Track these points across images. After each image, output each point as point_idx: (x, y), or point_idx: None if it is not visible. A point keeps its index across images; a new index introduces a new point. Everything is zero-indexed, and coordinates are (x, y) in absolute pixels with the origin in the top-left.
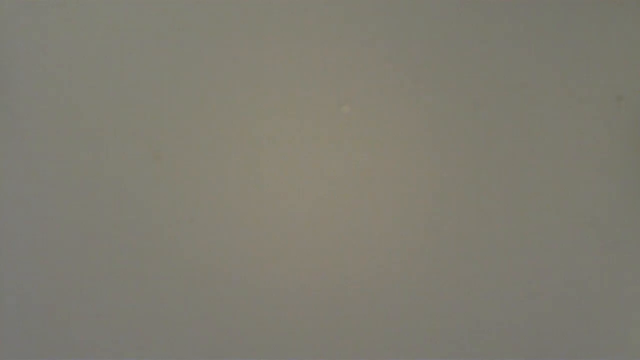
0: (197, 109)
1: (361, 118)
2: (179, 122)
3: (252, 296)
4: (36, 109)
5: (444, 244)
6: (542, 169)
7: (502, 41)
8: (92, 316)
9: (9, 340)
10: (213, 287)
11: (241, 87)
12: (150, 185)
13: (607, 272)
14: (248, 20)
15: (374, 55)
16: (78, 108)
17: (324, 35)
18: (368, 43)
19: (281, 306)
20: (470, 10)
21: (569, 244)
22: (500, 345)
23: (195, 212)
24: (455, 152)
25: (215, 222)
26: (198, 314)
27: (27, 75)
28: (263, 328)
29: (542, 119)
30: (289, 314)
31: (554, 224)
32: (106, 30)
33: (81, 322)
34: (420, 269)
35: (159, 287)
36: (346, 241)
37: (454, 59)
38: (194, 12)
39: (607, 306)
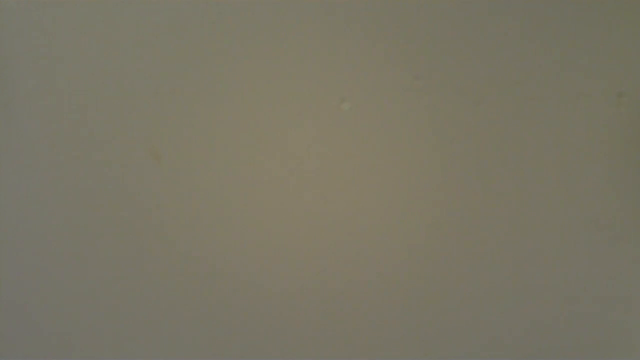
0: (197, 109)
1: (361, 115)
2: (179, 122)
3: (252, 296)
4: (36, 108)
5: (444, 242)
6: (542, 165)
7: (502, 37)
8: (92, 316)
9: (9, 340)
10: (213, 286)
11: (241, 85)
12: (150, 185)
13: (607, 271)
14: (248, 19)
15: (375, 53)
16: (78, 108)
17: (324, 33)
18: (368, 40)
19: (281, 306)
20: (471, 7)
21: (569, 241)
22: (500, 345)
23: (195, 212)
24: (455, 149)
25: (215, 222)
26: (198, 314)
27: (27, 75)
28: (263, 328)
29: (543, 116)
30: (290, 314)
31: (553, 221)
32: (106, 30)
33: (81, 322)
34: (421, 267)
35: (159, 286)
36: (347, 239)
37: (455, 56)
38: (193, 10)
39: (607, 306)
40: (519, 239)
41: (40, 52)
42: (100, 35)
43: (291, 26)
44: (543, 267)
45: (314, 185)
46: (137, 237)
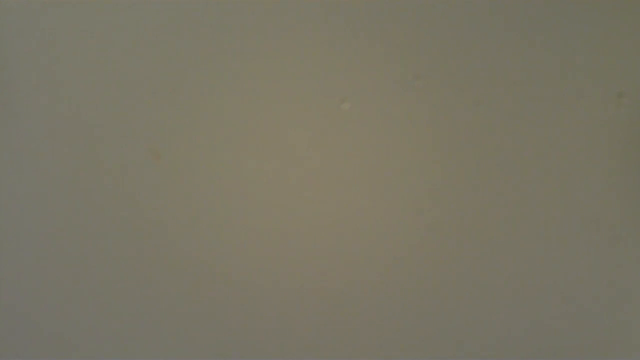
0: (197, 109)
1: (361, 115)
2: (179, 122)
3: (252, 296)
4: (36, 108)
5: (444, 241)
6: (542, 165)
7: (502, 38)
8: (91, 316)
9: (9, 340)
10: (213, 287)
11: (241, 85)
12: (150, 185)
13: (607, 271)
14: (248, 18)
15: (375, 53)
16: (78, 108)
17: (324, 33)
18: (368, 40)
19: (282, 306)
20: (471, 7)
21: (569, 241)
22: (499, 345)
23: (195, 212)
24: (455, 149)
25: (215, 222)
26: (198, 314)
27: (27, 75)
28: (263, 328)
29: (543, 116)
30: (290, 314)
31: (553, 222)
32: (106, 30)
33: (81, 322)
34: (421, 267)
35: (159, 286)
36: (347, 239)
37: (455, 56)
38: (193, 10)
39: (607, 306)
40: (518, 239)
41: (40, 52)
42: (100, 35)
43: (291, 26)
44: (543, 267)
45: (314, 185)
46: (137, 236)
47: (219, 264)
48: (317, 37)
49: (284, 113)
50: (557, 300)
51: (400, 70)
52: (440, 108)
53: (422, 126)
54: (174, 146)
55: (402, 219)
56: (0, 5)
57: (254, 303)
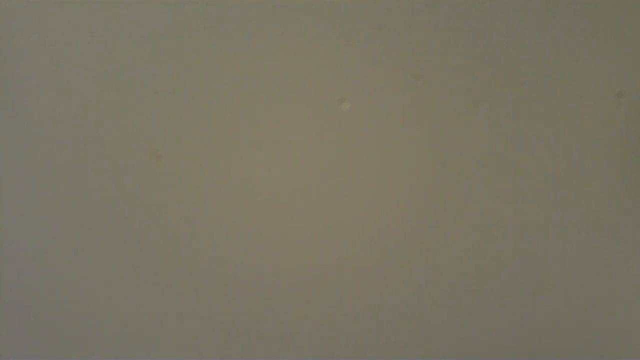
0: (197, 109)
1: (361, 115)
2: (179, 121)
3: (251, 295)
4: (36, 108)
5: (443, 240)
6: (542, 165)
7: (502, 37)
8: (91, 315)
9: (8, 340)
10: (213, 286)
11: (241, 85)
12: (150, 184)
13: (607, 270)
14: (248, 19)
15: (375, 53)
16: (78, 107)
17: (324, 33)
18: (368, 40)
19: (281, 304)
20: (471, 7)
21: (569, 241)
22: (498, 345)
23: (195, 212)
24: (454, 148)
25: (215, 222)
26: (198, 313)
27: (27, 75)
28: (263, 327)
29: (543, 116)
30: (289, 312)
31: (553, 221)
32: (106, 30)
33: (81, 322)
34: (421, 267)
35: (159, 285)
36: (346, 239)
37: (454, 55)
38: (193, 10)
39: (607, 306)
40: (518, 239)
41: (40, 51)
42: (100, 35)
43: (291, 26)
44: (542, 267)
45: (314, 185)
46: (137, 236)
47: (219, 264)
48: (316, 37)
49: (284, 113)
50: (557, 300)
51: (400, 70)
52: (440, 108)
53: (422, 126)
54: (174, 146)
55: (401, 219)
56: (0, 5)
57: (253, 302)
